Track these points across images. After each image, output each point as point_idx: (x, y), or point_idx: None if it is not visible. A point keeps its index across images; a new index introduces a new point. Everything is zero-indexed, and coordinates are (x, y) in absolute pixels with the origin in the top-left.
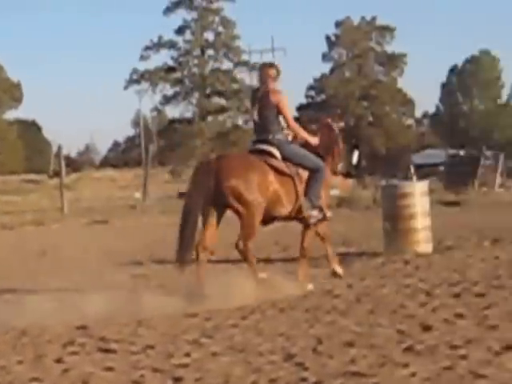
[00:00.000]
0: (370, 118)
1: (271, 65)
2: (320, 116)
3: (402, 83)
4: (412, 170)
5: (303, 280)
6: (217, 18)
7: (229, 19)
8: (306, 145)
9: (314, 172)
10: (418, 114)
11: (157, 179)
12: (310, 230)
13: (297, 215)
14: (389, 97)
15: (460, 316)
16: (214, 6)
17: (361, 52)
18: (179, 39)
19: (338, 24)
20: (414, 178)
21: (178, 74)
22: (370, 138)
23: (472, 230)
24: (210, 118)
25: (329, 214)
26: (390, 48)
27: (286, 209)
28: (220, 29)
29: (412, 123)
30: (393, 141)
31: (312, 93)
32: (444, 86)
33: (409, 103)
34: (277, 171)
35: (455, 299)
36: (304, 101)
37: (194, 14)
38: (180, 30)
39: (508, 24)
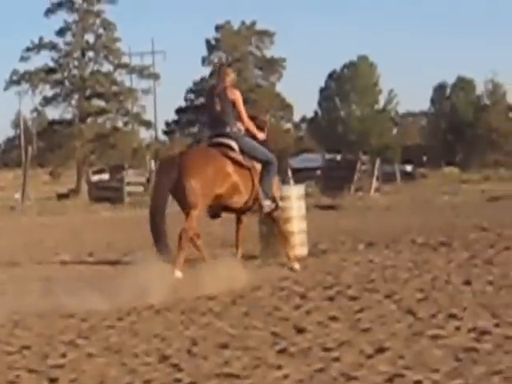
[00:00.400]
0: None
1: (229, 65)
2: (258, 115)
3: (280, 88)
4: (289, 173)
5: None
6: (98, 21)
7: (109, 21)
8: (255, 139)
9: (266, 164)
10: (297, 118)
11: (36, 180)
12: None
13: (251, 206)
14: (267, 101)
15: (333, 319)
16: (95, 8)
17: (240, 56)
18: (60, 41)
19: (217, 28)
20: (291, 181)
21: (58, 76)
22: None
23: (347, 234)
24: (89, 120)
25: (280, 203)
26: (270, 52)
27: (243, 199)
28: (101, 31)
29: (290, 127)
30: (271, 144)
31: (191, 96)
32: (322, 90)
33: (287, 107)
34: (236, 163)
35: (329, 302)
36: (183, 104)
37: (75, 16)
38: (61, 32)
39: (386, 31)
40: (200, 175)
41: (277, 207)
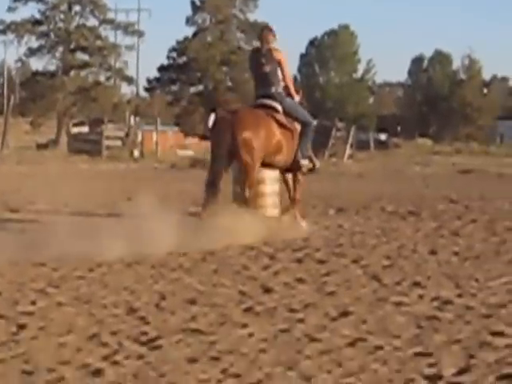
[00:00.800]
0: (229, 83)
1: (271, 28)
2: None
3: None
4: None
5: (300, 219)
6: None
7: None
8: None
9: (305, 125)
10: None
11: (17, 129)
12: (300, 178)
13: (291, 165)
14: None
15: (300, 281)
16: None
17: (224, 18)
18: None
19: None
20: None
21: (44, 28)
22: (227, 103)
23: (319, 199)
24: (72, 73)
25: (317, 163)
26: (253, 16)
27: (284, 158)
28: None
29: None
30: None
31: (174, 54)
32: (302, 56)
33: None
34: (280, 125)
35: (297, 264)
36: (165, 62)
37: None
38: None
39: (368, 2)
40: (255, 133)
41: (314, 167)
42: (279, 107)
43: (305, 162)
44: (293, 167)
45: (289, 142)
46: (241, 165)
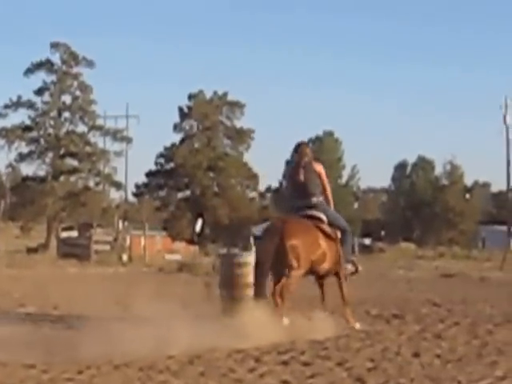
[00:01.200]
0: (216, 189)
1: (307, 143)
2: None
3: (248, 157)
4: (252, 240)
5: (352, 321)
6: (75, 83)
7: (87, 84)
8: None
9: (345, 232)
10: (262, 187)
11: (7, 233)
12: (343, 281)
13: (331, 270)
14: (235, 170)
15: (286, 383)
16: (74, 70)
17: (211, 125)
18: (38, 100)
19: (190, 96)
20: (253, 248)
21: (34, 134)
22: (214, 208)
23: (304, 302)
24: (62, 178)
25: (360, 267)
26: (239, 123)
27: (327, 266)
28: (77, 93)
29: (255, 196)
30: (236, 212)
31: (162, 160)
32: (288, 162)
33: (253, 177)
34: (325, 234)
35: (282, 366)
36: (153, 167)
37: (54, 77)
38: (39, 91)
39: (351, 109)
40: (302, 241)
41: (357, 270)
42: (324, 217)
43: (349, 266)
44: (337, 272)
45: (332, 250)
46: (286, 269)
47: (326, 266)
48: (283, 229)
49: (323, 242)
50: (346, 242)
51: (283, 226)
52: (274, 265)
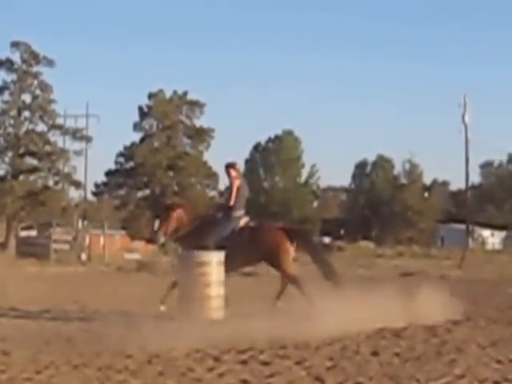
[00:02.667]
0: (176, 188)
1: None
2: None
3: (207, 156)
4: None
5: None
6: (35, 82)
7: (46, 83)
8: None
9: None
10: (222, 186)
11: None
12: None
13: None
14: (194, 169)
15: (245, 382)
16: (34, 69)
17: (171, 124)
18: None
19: (150, 95)
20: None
21: None
22: (173, 208)
23: (264, 300)
24: (21, 177)
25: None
26: (199, 122)
27: None
28: (38, 92)
29: (215, 195)
30: (196, 211)
31: (121, 159)
32: (247, 161)
33: (213, 176)
34: None
35: (242, 366)
36: (113, 167)
37: (14, 76)
38: None
39: (311, 107)
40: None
41: None
42: None
43: None
44: None
45: None
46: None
47: None
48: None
49: None
50: None
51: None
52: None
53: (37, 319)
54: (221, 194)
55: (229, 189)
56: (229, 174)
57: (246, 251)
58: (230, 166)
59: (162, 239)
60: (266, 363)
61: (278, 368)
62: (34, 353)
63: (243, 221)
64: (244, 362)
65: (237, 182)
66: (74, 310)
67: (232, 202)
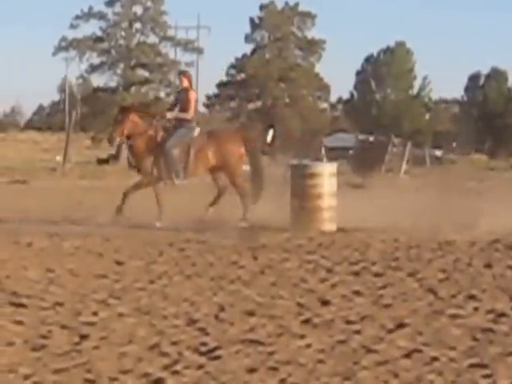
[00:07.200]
0: (287, 100)
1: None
2: None
3: (319, 68)
4: (323, 151)
5: None
6: None
7: None
8: None
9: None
10: (333, 98)
11: (78, 144)
12: None
13: None
14: (306, 80)
15: (357, 293)
16: None
17: (282, 36)
18: (109, 11)
19: (262, 7)
20: (325, 159)
21: (105, 45)
22: (285, 119)
23: (375, 213)
24: (133, 89)
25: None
26: (310, 34)
27: None
28: (149, 3)
29: (326, 107)
30: (307, 123)
31: (233, 71)
32: (359, 73)
33: (324, 88)
34: None
35: (354, 277)
36: (224, 79)
37: None
38: (110, 2)
39: (423, 19)
40: None
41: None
42: None
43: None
44: None
45: None
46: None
47: None
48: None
49: None
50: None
51: None
52: None
53: (150, 229)
54: (332, 106)
55: (181, 95)
56: (181, 82)
57: (205, 157)
58: (181, 74)
59: (116, 140)
60: (378, 274)
61: (390, 279)
62: (147, 263)
63: (197, 131)
64: (356, 274)
65: (193, 95)
66: (187, 220)
67: (191, 115)
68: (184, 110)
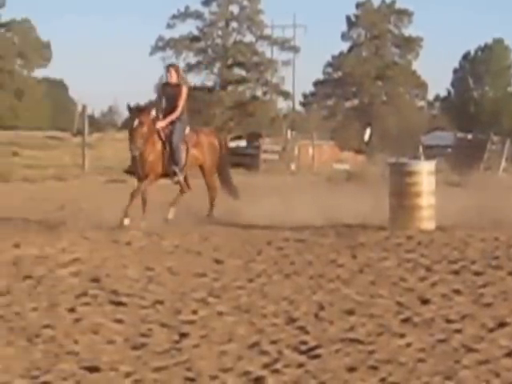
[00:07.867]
0: (384, 98)
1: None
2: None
3: (416, 66)
4: (421, 149)
5: None
6: None
7: None
8: None
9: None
10: (430, 96)
11: None
12: None
13: None
14: (403, 78)
15: (457, 292)
16: None
17: (379, 33)
18: (205, 10)
19: (358, 5)
20: (422, 157)
21: (201, 44)
22: (382, 117)
23: (474, 211)
24: (229, 88)
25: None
26: (407, 31)
27: None
28: (245, 3)
29: (424, 105)
30: (404, 121)
31: (329, 69)
32: (456, 71)
33: (422, 86)
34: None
35: (454, 276)
36: (321, 77)
37: None
38: (206, 2)
39: None
40: None
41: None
42: None
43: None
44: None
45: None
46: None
47: None
48: None
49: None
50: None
51: None
52: None
53: (249, 228)
54: (429, 104)
55: (169, 90)
56: (170, 75)
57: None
58: (169, 66)
59: (136, 152)
60: (478, 273)
61: (490, 278)
62: (246, 261)
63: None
64: (456, 272)
65: (185, 90)
66: (285, 220)
67: (180, 111)
68: (175, 105)
